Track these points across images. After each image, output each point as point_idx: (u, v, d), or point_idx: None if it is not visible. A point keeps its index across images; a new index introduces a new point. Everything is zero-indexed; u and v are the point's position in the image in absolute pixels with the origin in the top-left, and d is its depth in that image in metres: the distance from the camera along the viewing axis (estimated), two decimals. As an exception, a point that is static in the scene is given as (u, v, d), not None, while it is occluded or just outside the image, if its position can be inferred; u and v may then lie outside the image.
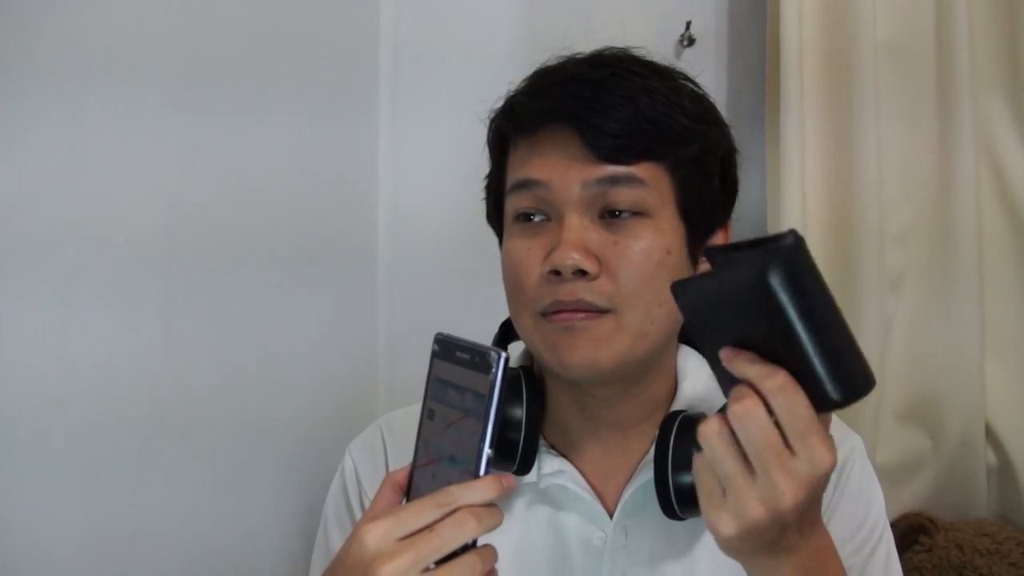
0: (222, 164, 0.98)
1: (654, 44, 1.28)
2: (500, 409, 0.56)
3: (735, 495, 0.55)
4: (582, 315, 0.73)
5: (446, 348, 0.59)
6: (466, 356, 0.57)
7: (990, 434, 1.20)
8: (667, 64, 0.79)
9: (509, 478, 0.57)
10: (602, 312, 0.73)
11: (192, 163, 0.94)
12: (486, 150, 0.84)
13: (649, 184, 0.74)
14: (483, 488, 0.56)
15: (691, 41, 1.29)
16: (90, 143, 0.82)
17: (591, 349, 0.73)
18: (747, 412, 0.54)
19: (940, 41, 1.19)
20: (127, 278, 0.86)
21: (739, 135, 1.29)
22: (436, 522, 0.56)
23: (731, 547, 0.57)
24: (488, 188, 0.84)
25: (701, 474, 0.57)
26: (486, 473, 0.56)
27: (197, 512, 0.95)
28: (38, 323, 0.78)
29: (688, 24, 1.28)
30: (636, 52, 0.79)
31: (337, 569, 0.59)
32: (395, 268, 1.33)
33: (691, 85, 0.79)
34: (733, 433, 0.55)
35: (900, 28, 1.20)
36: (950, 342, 1.18)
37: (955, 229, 1.17)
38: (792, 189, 1.16)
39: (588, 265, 0.72)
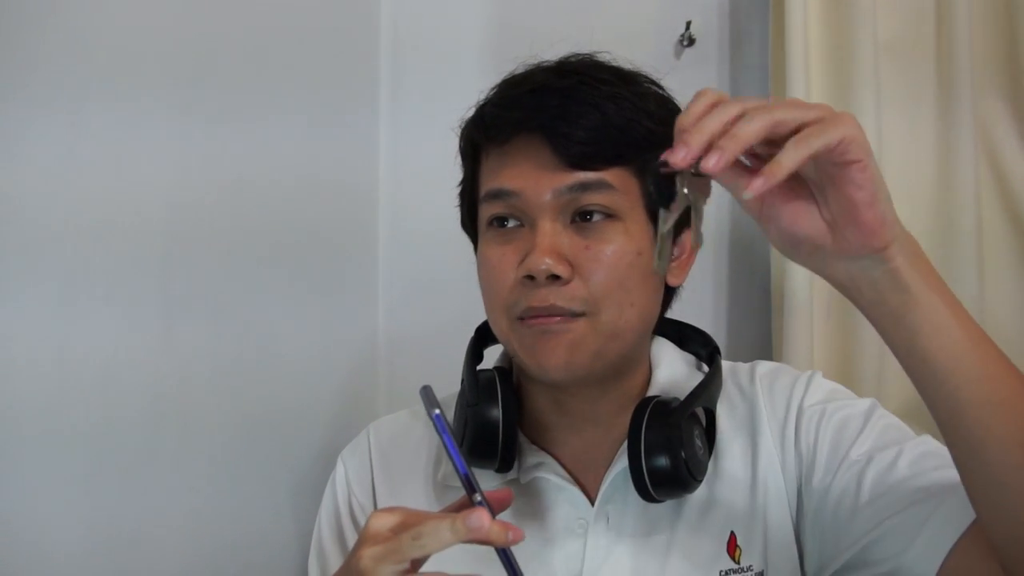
0: (221, 163, 0.98)
1: (654, 44, 1.29)
2: (452, 445, 0.59)
3: (809, 106, 0.56)
4: (557, 319, 0.75)
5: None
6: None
7: (990, 434, 1.20)
8: (632, 68, 0.81)
9: (516, 531, 0.57)
10: (576, 316, 0.75)
11: (191, 162, 0.94)
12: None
13: (618, 188, 0.76)
14: (475, 516, 0.56)
15: (691, 41, 1.29)
16: (89, 143, 0.82)
17: (566, 352, 0.76)
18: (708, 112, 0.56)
19: (940, 41, 1.19)
20: (127, 276, 0.86)
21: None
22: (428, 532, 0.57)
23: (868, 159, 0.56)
24: (462, 195, 0.87)
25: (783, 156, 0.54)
26: (476, 499, 0.58)
27: (196, 513, 0.95)
28: (38, 322, 0.78)
29: (688, 24, 1.28)
30: (601, 57, 0.81)
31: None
32: (396, 266, 1.33)
33: (655, 88, 0.81)
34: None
35: (900, 28, 1.20)
36: (950, 342, 1.18)
37: (955, 229, 1.17)
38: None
39: (561, 270, 0.74)
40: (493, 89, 0.82)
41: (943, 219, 1.19)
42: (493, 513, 0.58)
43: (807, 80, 1.16)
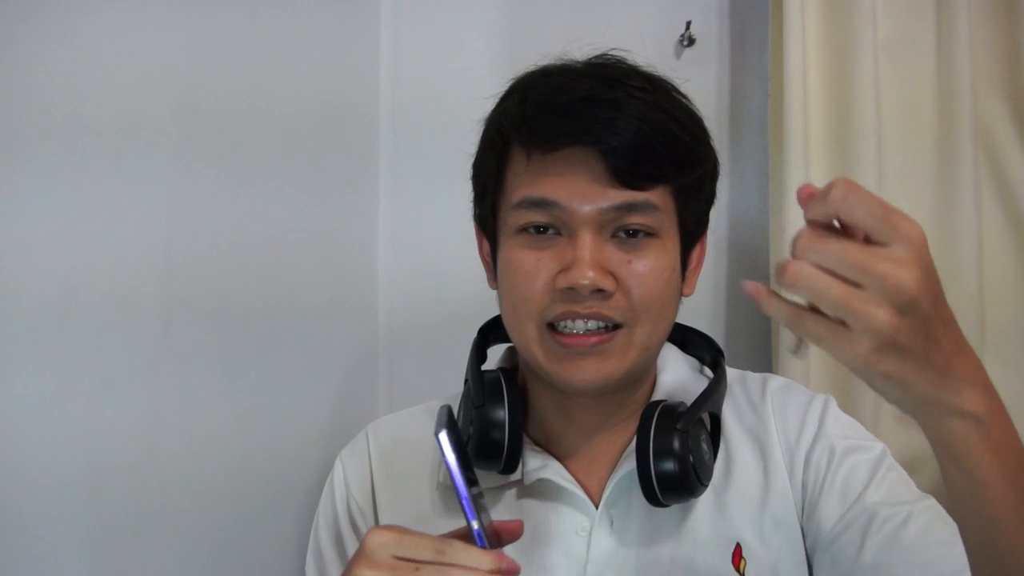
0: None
1: (654, 44, 1.29)
2: (460, 480, 0.59)
3: (855, 313, 0.48)
4: (595, 340, 0.75)
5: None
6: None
7: (990, 434, 1.20)
8: (658, 73, 0.80)
9: (511, 563, 0.58)
10: (615, 328, 0.75)
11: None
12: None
13: (661, 208, 0.76)
14: (479, 558, 0.57)
15: (691, 41, 1.28)
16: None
17: (602, 367, 0.75)
18: (814, 237, 0.49)
19: (940, 41, 1.19)
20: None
21: (740, 135, 1.30)
22: (425, 563, 0.58)
23: (887, 374, 0.50)
24: (481, 192, 0.83)
25: (806, 324, 0.50)
26: (483, 544, 0.58)
27: (193, 511, 0.95)
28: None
29: (688, 24, 1.28)
30: (630, 60, 0.80)
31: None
32: (396, 267, 1.33)
33: (681, 98, 0.80)
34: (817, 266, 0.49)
35: (900, 28, 1.20)
36: (950, 342, 1.18)
37: (955, 229, 1.17)
38: (797, 180, 1.16)
39: (606, 284, 0.74)
40: (525, 81, 0.79)
41: (943, 219, 1.19)
42: (497, 540, 0.57)
43: (806, 80, 1.16)
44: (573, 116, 0.74)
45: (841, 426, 0.82)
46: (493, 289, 0.83)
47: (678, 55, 1.30)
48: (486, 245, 0.85)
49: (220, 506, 0.99)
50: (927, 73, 1.19)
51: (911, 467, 1.21)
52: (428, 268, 1.32)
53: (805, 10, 1.16)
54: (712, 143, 0.82)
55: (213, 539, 0.98)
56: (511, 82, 0.81)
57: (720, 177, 1.30)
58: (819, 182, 1.26)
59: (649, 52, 1.31)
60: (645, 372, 0.83)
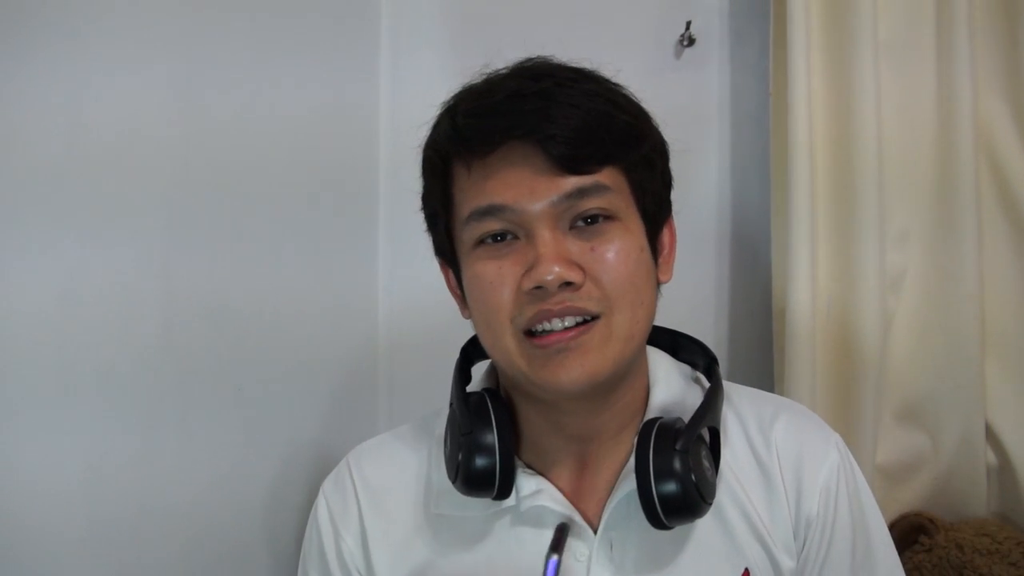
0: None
1: (654, 44, 1.29)
2: None
3: None
4: (573, 332, 0.72)
5: None
6: None
7: (990, 434, 1.20)
8: (589, 67, 0.77)
9: None
10: (592, 319, 0.72)
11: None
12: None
13: (613, 189, 0.73)
14: None
15: (691, 41, 1.29)
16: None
17: (585, 363, 0.72)
18: None
19: (940, 41, 1.19)
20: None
21: (740, 134, 1.30)
22: None
23: None
24: (432, 219, 0.81)
25: None
26: None
27: (192, 511, 0.95)
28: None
29: (688, 24, 1.28)
30: (556, 60, 0.77)
31: None
32: (396, 268, 1.33)
33: (614, 85, 0.77)
34: None
35: (900, 28, 1.20)
36: (950, 342, 1.19)
37: (955, 229, 1.17)
38: (799, 181, 1.16)
39: (573, 276, 0.71)
40: (453, 100, 0.77)
41: (944, 219, 1.19)
42: None
43: (808, 81, 1.16)
44: (502, 114, 0.72)
45: (850, 491, 0.81)
46: (467, 319, 0.80)
47: (678, 55, 1.30)
48: (452, 276, 0.82)
49: (217, 505, 0.99)
50: (928, 74, 1.20)
51: (911, 467, 1.22)
52: (429, 270, 1.31)
53: (806, 10, 1.16)
54: (654, 124, 0.78)
55: (211, 544, 0.98)
56: (441, 107, 0.78)
57: (720, 176, 1.32)
58: (823, 181, 1.26)
59: (649, 52, 1.31)
60: (634, 372, 0.79)
